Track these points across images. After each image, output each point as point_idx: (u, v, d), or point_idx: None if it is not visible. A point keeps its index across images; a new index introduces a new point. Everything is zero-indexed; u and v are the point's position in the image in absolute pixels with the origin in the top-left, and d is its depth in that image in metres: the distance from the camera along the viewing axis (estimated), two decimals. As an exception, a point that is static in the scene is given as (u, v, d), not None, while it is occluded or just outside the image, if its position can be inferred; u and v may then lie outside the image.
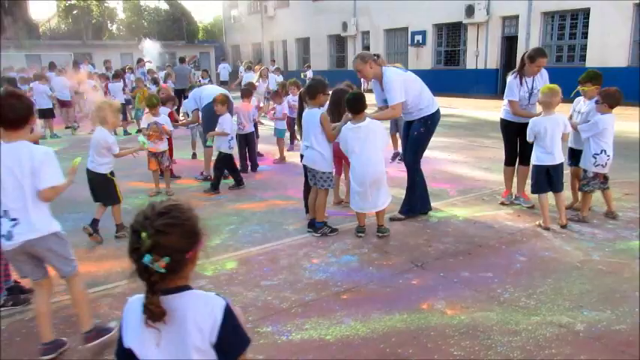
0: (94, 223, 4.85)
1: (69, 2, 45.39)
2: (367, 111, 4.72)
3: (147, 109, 6.57)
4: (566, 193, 5.25)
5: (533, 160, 4.91)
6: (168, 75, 13.69)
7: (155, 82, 13.01)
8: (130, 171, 7.20)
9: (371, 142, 4.53)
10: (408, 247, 4.54)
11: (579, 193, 5.27)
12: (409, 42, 24.17)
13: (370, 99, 4.76)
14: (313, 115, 4.76)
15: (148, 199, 6.25)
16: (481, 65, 21.27)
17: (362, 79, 5.44)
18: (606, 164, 4.98)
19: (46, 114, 11.32)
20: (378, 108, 5.29)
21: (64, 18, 46.12)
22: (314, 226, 4.90)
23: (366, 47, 26.71)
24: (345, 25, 27.27)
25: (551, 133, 4.72)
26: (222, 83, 22.63)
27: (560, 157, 4.81)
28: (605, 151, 4.93)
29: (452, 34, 22.79)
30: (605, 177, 5.08)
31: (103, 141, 4.68)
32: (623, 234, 4.71)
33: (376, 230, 4.77)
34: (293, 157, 8.46)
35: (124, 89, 12.03)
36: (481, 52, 21.14)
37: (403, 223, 5.18)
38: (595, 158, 4.95)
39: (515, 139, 5.50)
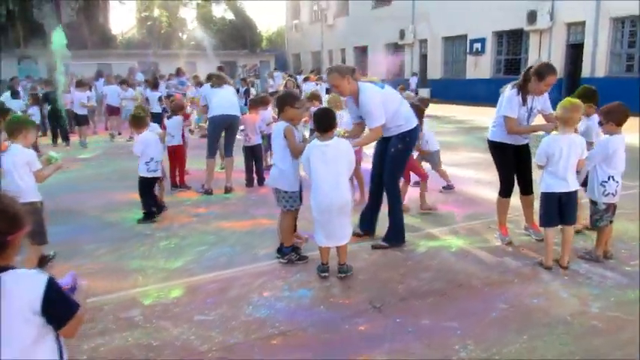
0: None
1: (143, 14, 47.73)
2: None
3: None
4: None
5: (543, 187, 4.19)
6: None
7: (199, 85, 13.07)
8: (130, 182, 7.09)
9: (338, 164, 3.98)
10: (376, 282, 4.00)
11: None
12: (467, 50, 23.12)
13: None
14: (278, 128, 4.36)
15: (140, 212, 6.08)
16: (543, 74, 19.88)
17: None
18: (616, 192, 4.22)
19: (80, 121, 11.62)
20: (353, 124, 4.83)
21: (139, 29, 48.50)
22: (281, 251, 4.48)
23: (424, 55, 25.90)
24: (402, 33, 26.58)
25: (567, 156, 4.00)
26: (272, 93, 22.58)
27: (574, 183, 4.10)
28: (613, 177, 4.18)
29: (513, 42, 21.55)
30: (615, 207, 4.31)
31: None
32: (642, 279, 3.92)
33: (337, 270, 4.11)
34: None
35: (160, 98, 12.17)
36: (543, 61, 19.75)
37: (385, 252, 4.63)
38: (604, 187, 4.19)
39: (512, 164, 4.78)
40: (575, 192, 4.11)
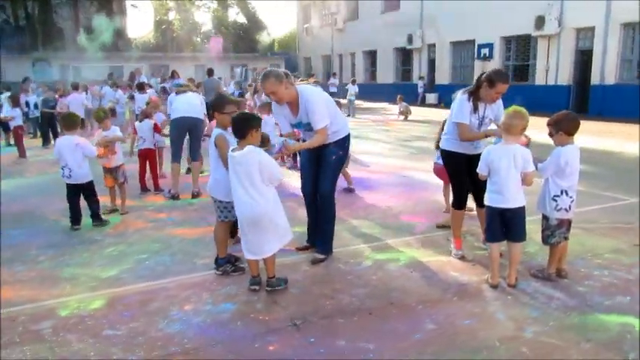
0: None
1: (158, 18, 48.25)
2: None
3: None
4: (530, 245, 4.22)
5: (486, 199, 3.95)
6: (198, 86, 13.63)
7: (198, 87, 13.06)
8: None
9: (249, 175, 3.65)
10: (306, 297, 3.78)
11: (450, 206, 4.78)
12: (475, 55, 22.73)
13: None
14: (212, 136, 4.17)
15: (104, 216, 5.96)
16: (551, 81, 19.47)
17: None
18: (570, 208, 3.90)
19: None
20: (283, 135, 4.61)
21: (155, 33, 49.02)
22: (217, 262, 4.29)
23: (432, 60, 25.58)
24: (410, 38, 26.29)
25: (507, 168, 3.72)
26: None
27: (517, 200, 3.78)
28: (566, 191, 3.87)
29: (521, 48, 21.11)
30: (570, 223, 4.02)
31: None
32: (592, 301, 3.63)
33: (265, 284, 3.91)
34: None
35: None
36: (552, 67, 19.34)
37: (327, 264, 4.41)
38: (555, 201, 3.88)
39: (464, 175, 4.51)
40: (520, 209, 3.81)
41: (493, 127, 4.43)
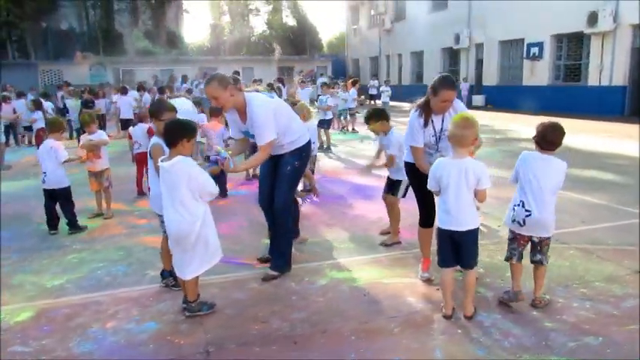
0: None
1: (212, 22, 49.39)
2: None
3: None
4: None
5: (437, 219, 3.52)
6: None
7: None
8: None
9: (176, 187, 3.35)
10: (236, 320, 3.48)
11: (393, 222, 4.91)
12: (524, 54, 21.58)
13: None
14: (149, 145, 3.96)
15: (86, 221, 5.93)
16: (605, 81, 18.13)
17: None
18: (524, 222, 3.44)
19: (127, 124, 11.96)
20: (236, 141, 4.34)
21: (210, 36, 50.22)
22: (162, 275, 4.08)
23: (480, 60, 24.57)
24: (457, 37, 25.37)
25: (457, 185, 3.27)
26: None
27: (467, 221, 3.30)
28: (522, 203, 3.44)
29: (573, 46, 19.82)
30: (539, 245, 3.49)
31: None
32: (555, 341, 3.11)
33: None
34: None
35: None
36: (606, 67, 18.01)
37: (277, 282, 4.09)
38: (514, 210, 3.50)
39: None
40: (473, 232, 3.33)
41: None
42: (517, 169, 3.56)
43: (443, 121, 3.84)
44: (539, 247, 3.52)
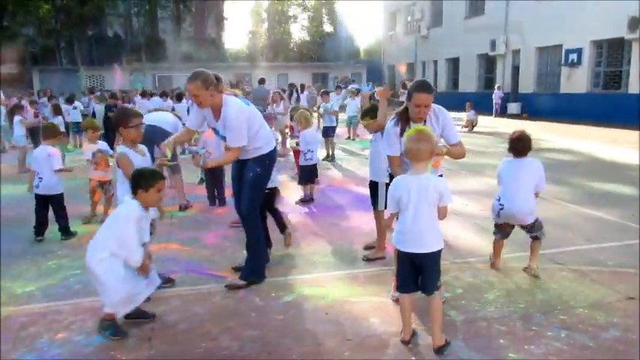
0: None
1: (251, 28, 50.20)
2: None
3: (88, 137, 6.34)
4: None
5: (393, 240, 3.27)
6: (247, 94, 13.67)
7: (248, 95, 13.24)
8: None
9: (108, 229, 3.34)
10: (186, 336, 3.38)
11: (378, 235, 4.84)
12: (562, 61, 20.78)
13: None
14: (115, 154, 3.92)
15: (80, 226, 6.00)
16: (647, 90, 17.20)
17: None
18: (499, 214, 4.22)
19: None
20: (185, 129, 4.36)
21: (249, 43, 51.02)
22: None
23: (517, 67, 23.86)
24: (493, 43, 24.71)
25: (417, 202, 3.04)
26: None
27: (432, 243, 3.07)
28: (500, 198, 4.21)
29: (613, 52, 18.94)
30: (527, 227, 4.28)
31: None
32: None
33: None
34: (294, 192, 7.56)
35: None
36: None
37: (241, 296, 3.97)
38: (493, 205, 4.29)
39: None
40: (434, 253, 3.09)
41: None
42: (499, 173, 4.31)
43: None
44: (528, 228, 4.25)
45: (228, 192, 7.55)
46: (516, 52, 23.97)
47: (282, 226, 5.03)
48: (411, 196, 3.04)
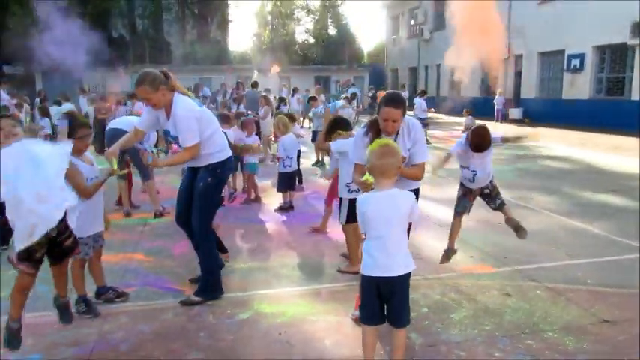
0: None
1: (256, 31, 50.16)
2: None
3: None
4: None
5: (362, 265, 2.98)
6: (240, 98, 13.47)
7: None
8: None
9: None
10: (126, 356, 3.19)
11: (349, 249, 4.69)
12: (565, 66, 20.49)
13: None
14: None
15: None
16: (650, 96, 16.88)
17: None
18: (473, 179, 4.32)
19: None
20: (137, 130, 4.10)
21: (253, 46, 51.00)
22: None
23: (519, 72, 23.60)
24: (496, 48, 24.41)
25: (386, 222, 2.77)
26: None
27: (400, 264, 2.81)
28: (469, 167, 4.33)
29: (616, 58, 18.63)
30: (490, 193, 4.44)
31: None
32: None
33: None
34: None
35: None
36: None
37: (195, 313, 3.77)
38: (463, 172, 4.42)
39: None
40: (403, 277, 2.80)
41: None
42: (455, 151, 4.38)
43: (396, 142, 3.43)
44: (491, 194, 4.43)
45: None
46: (519, 57, 23.69)
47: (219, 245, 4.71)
48: (378, 215, 2.79)
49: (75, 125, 3.73)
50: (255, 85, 14.21)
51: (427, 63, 32.53)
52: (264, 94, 10.33)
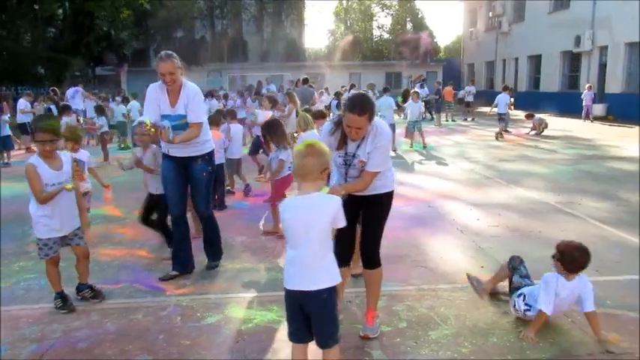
0: None
1: (331, 28, 50.31)
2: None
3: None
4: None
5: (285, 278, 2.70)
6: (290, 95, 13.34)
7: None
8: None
9: None
10: (82, 355, 3.17)
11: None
12: (655, 58, 18.59)
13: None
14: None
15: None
16: None
17: None
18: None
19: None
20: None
21: (328, 41, 51.24)
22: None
23: (603, 65, 21.74)
24: (578, 40, 22.66)
25: (305, 229, 2.51)
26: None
27: (319, 278, 2.50)
28: None
29: None
30: None
31: None
32: None
33: None
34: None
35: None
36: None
37: (161, 315, 3.69)
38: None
39: (350, 221, 3.35)
40: (322, 292, 2.50)
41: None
42: None
43: (358, 146, 3.17)
44: None
45: (240, 195, 7.44)
46: (603, 49, 21.81)
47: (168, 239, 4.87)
48: (295, 223, 2.55)
49: (36, 128, 3.69)
50: (305, 81, 14.01)
51: (505, 57, 30.88)
52: (289, 91, 10.14)
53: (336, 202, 2.57)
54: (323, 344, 2.57)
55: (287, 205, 2.61)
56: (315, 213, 2.52)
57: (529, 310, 3.41)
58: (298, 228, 2.53)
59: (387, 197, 3.33)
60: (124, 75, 35.92)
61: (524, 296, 3.48)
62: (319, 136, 6.92)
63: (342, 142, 3.20)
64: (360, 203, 3.29)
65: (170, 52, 4.14)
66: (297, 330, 2.59)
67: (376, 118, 3.16)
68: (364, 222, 3.37)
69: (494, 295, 3.84)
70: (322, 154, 2.56)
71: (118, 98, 14.64)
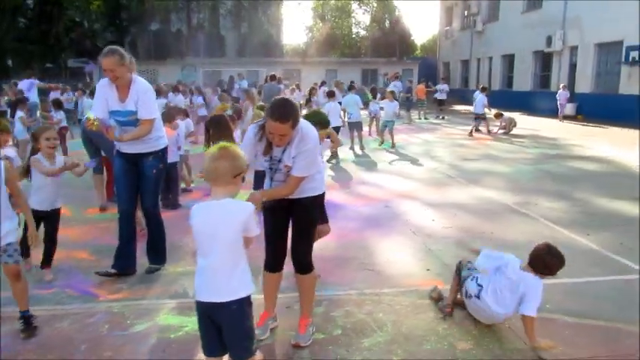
0: None
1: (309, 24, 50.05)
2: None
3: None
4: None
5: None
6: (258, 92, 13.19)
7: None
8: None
9: None
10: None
11: None
12: (623, 59, 18.88)
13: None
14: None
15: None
16: None
17: None
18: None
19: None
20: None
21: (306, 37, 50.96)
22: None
23: (574, 65, 22.03)
24: (549, 40, 22.92)
25: (212, 236, 2.38)
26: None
27: (230, 289, 2.37)
28: None
29: (679, 49, 16.92)
30: None
31: None
32: None
33: None
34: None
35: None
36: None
37: (87, 322, 3.53)
38: None
39: (279, 223, 3.28)
40: (233, 304, 2.36)
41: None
42: None
43: (284, 151, 3.05)
44: None
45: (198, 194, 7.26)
46: (574, 49, 22.10)
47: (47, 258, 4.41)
48: (204, 229, 2.41)
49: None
50: (273, 78, 13.86)
51: (479, 56, 31.13)
52: (246, 88, 9.98)
53: (248, 209, 2.44)
54: (236, 358, 2.45)
55: (196, 210, 2.47)
56: (225, 220, 2.39)
57: (481, 289, 3.35)
58: (206, 236, 2.40)
59: (317, 200, 3.24)
60: (95, 67, 35.16)
61: (477, 278, 3.44)
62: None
63: (268, 147, 3.08)
64: (290, 207, 3.18)
65: (116, 47, 4.04)
66: (209, 343, 2.47)
67: (303, 121, 3.06)
68: (294, 226, 3.26)
69: (460, 304, 3.66)
70: (236, 158, 2.43)
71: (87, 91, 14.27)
